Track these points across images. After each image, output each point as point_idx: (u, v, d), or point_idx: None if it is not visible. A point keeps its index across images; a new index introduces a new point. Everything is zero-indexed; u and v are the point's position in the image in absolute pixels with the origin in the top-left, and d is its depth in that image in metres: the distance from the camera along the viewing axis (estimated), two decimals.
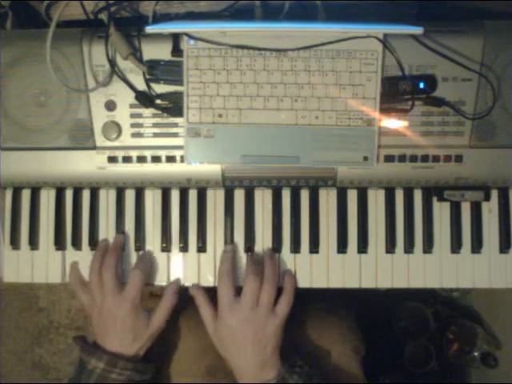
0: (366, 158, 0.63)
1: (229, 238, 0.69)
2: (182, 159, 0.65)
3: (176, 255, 0.70)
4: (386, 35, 0.61)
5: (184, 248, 0.70)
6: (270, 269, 0.66)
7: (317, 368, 0.69)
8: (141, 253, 0.70)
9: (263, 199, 0.70)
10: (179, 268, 0.70)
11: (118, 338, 0.65)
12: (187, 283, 0.70)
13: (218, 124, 0.63)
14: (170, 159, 0.66)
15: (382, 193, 0.69)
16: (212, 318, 0.66)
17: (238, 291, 0.65)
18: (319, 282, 0.69)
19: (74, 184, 0.69)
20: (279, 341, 0.64)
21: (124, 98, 0.65)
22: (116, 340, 0.65)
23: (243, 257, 0.69)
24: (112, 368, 0.63)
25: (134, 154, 0.66)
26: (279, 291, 0.66)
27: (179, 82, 0.63)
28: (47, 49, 0.62)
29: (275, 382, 0.62)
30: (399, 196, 0.69)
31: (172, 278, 0.70)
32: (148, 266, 0.69)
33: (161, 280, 0.70)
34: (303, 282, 0.69)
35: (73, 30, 0.65)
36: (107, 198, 0.71)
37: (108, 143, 0.66)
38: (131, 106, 0.65)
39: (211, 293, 0.68)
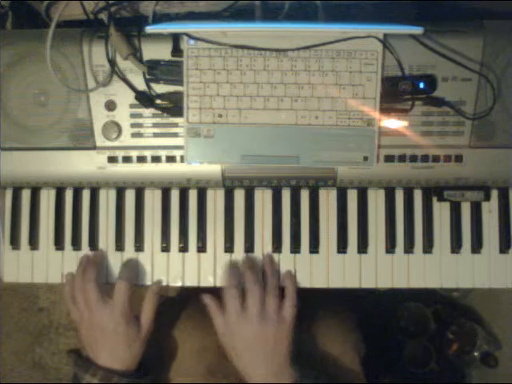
0: (366, 158, 0.63)
1: (229, 238, 0.69)
2: (182, 159, 0.65)
3: (176, 255, 0.70)
4: (386, 35, 0.61)
5: (184, 248, 0.70)
6: (271, 276, 0.66)
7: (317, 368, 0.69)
8: (124, 259, 0.70)
9: (263, 199, 0.70)
10: (179, 268, 0.70)
11: (111, 352, 0.64)
12: (187, 283, 0.70)
13: (218, 124, 0.63)
14: (170, 159, 0.66)
15: (382, 193, 0.69)
16: (224, 329, 0.65)
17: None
18: (319, 282, 0.69)
19: (74, 184, 0.69)
20: (290, 345, 0.64)
21: (124, 97, 0.65)
22: (109, 354, 0.64)
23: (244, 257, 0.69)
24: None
25: (134, 153, 0.66)
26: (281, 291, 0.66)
27: (179, 82, 0.63)
28: (47, 49, 0.62)
29: None
30: (399, 196, 0.69)
31: (172, 279, 0.70)
32: (132, 269, 0.69)
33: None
34: (303, 282, 0.69)
35: (73, 30, 0.65)
36: (107, 198, 0.71)
37: (108, 143, 0.66)
38: (131, 106, 0.65)
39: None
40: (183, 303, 0.81)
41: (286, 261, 0.69)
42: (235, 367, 0.65)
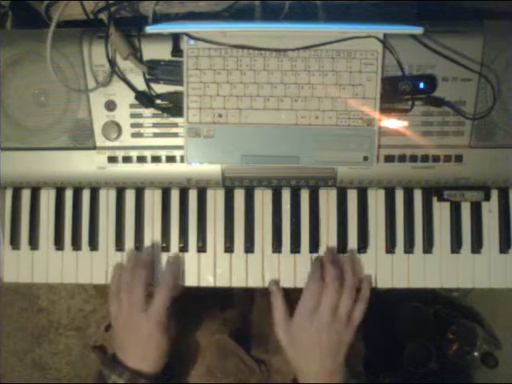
0: (366, 158, 0.63)
1: (229, 238, 0.69)
2: (182, 159, 0.65)
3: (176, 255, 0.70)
4: (386, 35, 0.61)
5: (184, 248, 0.70)
6: (351, 276, 0.65)
7: None
8: (170, 259, 0.69)
9: (263, 199, 0.70)
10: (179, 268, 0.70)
11: (141, 356, 0.64)
12: (187, 283, 0.70)
13: (218, 124, 0.63)
14: (170, 159, 0.66)
15: (382, 193, 0.69)
16: (285, 320, 0.65)
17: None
18: None
19: (73, 184, 0.69)
20: (351, 348, 0.64)
21: (124, 97, 0.65)
22: (138, 357, 0.64)
23: (243, 257, 0.69)
24: None
25: (133, 154, 0.66)
26: None
27: (179, 82, 0.63)
28: (47, 49, 0.62)
29: None
30: (399, 196, 0.69)
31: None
32: (176, 274, 0.68)
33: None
34: (303, 283, 0.69)
35: (73, 30, 0.65)
36: (107, 198, 0.71)
37: (108, 143, 0.66)
38: (131, 106, 0.65)
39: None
40: (183, 303, 0.81)
41: (285, 261, 0.69)
42: (288, 359, 0.65)
